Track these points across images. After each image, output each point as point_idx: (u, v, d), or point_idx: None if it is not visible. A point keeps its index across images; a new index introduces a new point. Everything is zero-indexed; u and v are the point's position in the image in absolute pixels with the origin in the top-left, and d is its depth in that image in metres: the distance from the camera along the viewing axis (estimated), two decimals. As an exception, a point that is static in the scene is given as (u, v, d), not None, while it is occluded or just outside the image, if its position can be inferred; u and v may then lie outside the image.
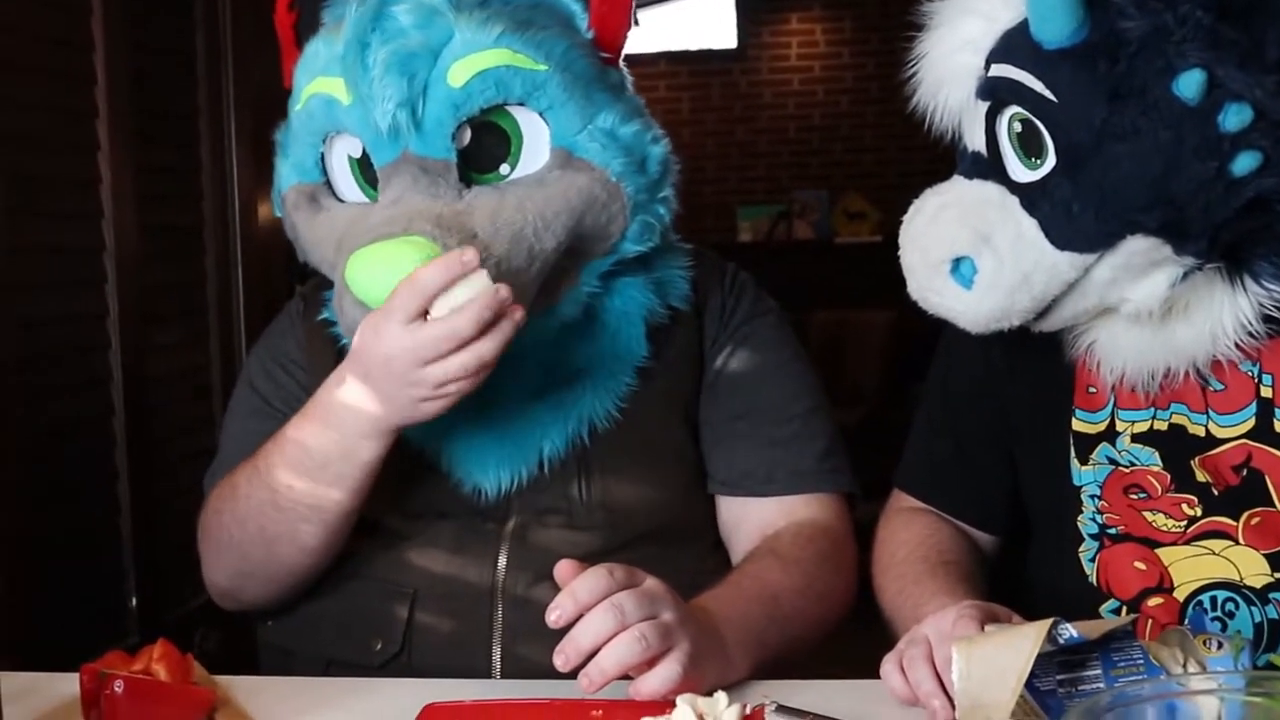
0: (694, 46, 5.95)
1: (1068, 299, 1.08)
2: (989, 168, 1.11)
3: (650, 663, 1.03)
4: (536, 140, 1.24)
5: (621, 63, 1.35)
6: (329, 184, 1.30)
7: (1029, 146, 1.07)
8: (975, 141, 1.13)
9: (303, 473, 1.21)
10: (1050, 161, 1.05)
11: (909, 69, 1.17)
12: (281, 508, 1.22)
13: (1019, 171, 1.08)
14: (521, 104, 1.23)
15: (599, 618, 1.01)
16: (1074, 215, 1.04)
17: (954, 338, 1.26)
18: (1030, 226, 1.06)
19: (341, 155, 1.28)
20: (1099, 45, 1.01)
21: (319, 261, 1.30)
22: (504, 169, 1.24)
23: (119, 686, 1.00)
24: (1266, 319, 1.08)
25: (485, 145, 1.23)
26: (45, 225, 2.10)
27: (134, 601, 2.29)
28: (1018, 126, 1.08)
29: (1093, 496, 1.20)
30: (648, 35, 5.70)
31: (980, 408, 1.29)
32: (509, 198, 1.21)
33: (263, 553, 1.26)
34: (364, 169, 1.27)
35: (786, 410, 1.34)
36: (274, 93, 1.43)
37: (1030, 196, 1.07)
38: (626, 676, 1.03)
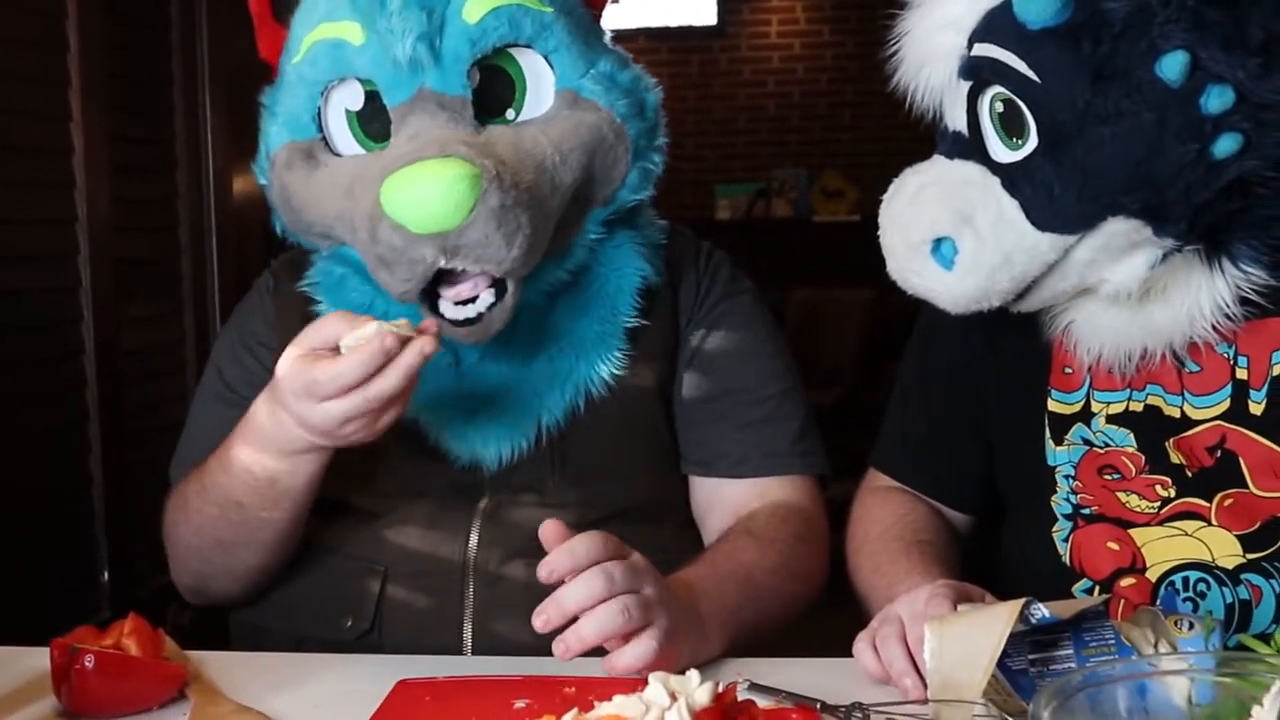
0: (674, 23, 5.93)
1: (1047, 280, 1.08)
2: (970, 148, 1.11)
3: (626, 637, 1.03)
4: (540, 85, 1.25)
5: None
6: (325, 140, 1.28)
7: (1011, 127, 1.07)
8: (956, 121, 1.12)
9: (248, 492, 1.20)
10: (1032, 142, 1.05)
11: (890, 47, 1.17)
12: (233, 521, 1.22)
13: (1000, 152, 1.08)
14: (529, 46, 1.24)
15: (589, 580, 1.01)
16: (1055, 196, 1.04)
17: (932, 317, 1.26)
18: (1011, 207, 1.06)
19: (339, 108, 1.26)
20: (1083, 26, 1.01)
21: (315, 220, 1.27)
22: (509, 114, 1.25)
23: (89, 661, 1.00)
24: (1243, 302, 1.09)
25: (494, 89, 1.24)
26: (16, 196, 2.07)
27: (106, 576, 2.28)
28: (1000, 106, 1.07)
29: (1067, 477, 1.20)
30: (628, 11, 5.67)
31: (957, 388, 1.29)
32: (525, 132, 1.23)
33: (221, 557, 1.27)
34: (364, 122, 1.26)
35: (761, 391, 1.34)
36: (250, 62, 1.41)
37: (1011, 177, 1.06)
38: (601, 651, 1.03)
